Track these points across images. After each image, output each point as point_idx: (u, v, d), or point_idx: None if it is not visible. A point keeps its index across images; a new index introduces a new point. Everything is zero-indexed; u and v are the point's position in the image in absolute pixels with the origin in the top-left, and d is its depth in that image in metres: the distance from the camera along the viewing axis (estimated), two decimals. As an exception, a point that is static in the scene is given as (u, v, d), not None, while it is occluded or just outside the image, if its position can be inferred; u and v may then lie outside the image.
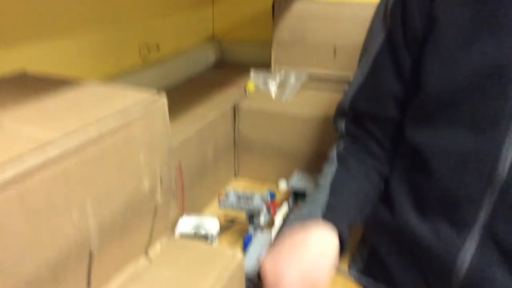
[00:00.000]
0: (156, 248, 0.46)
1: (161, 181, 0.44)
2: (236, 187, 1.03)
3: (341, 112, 0.72)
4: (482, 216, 0.56)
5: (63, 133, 0.33)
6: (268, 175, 1.04)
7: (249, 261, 0.62)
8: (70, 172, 0.32)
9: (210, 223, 0.77)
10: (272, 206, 0.77)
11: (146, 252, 0.44)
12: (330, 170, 0.67)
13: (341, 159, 0.69)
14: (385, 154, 0.69)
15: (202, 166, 0.90)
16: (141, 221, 0.42)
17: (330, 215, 0.59)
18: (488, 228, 0.56)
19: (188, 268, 0.44)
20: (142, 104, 0.40)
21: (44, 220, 0.31)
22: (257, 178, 1.05)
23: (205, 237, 0.74)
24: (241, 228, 0.84)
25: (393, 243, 0.67)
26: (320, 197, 0.63)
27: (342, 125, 0.72)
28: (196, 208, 0.91)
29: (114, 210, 0.37)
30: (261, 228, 0.77)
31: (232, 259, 0.46)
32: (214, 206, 0.93)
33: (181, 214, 0.80)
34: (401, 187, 0.65)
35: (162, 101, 0.44)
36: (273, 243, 0.58)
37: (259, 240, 0.65)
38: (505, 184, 0.54)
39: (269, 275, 0.52)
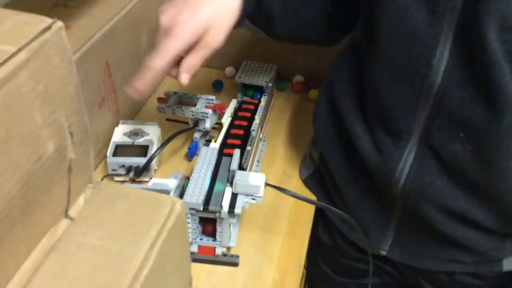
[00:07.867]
0: (79, 204, 0.39)
1: (71, 135, 0.35)
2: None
3: None
4: (418, 125, 0.54)
5: None
6: (214, 60, 0.93)
7: (193, 188, 0.56)
8: None
9: (150, 130, 0.69)
10: (218, 108, 0.69)
11: (66, 214, 0.37)
12: None
13: None
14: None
15: (135, 58, 0.78)
16: (51, 187, 0.34)
17: None
18: (425, 138, 0.54)
19: (118, 225, 0.38)
20: (21, 41, 0.29)
21: None
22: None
23: (144, 147, 0.66)
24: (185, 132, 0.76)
25: (339, 151, 0.65)
26: None
27: None
28: (134, 109, 0.81)
29: (5, 197, 0.29)
30: (207, 133, 0.71)
31: (171, 210, 0.40)
32: (153, 103, 0.83)
33: (116, 122, 0.71)
34: (349, 94, 0.61)
35: (57, 25, 0.33)
36: None
37: (206, 156, 0.59)
38: (439, 92, 0.50)
39: (163, 23, 0.53)
